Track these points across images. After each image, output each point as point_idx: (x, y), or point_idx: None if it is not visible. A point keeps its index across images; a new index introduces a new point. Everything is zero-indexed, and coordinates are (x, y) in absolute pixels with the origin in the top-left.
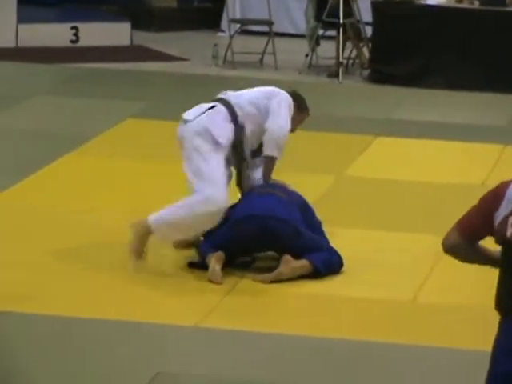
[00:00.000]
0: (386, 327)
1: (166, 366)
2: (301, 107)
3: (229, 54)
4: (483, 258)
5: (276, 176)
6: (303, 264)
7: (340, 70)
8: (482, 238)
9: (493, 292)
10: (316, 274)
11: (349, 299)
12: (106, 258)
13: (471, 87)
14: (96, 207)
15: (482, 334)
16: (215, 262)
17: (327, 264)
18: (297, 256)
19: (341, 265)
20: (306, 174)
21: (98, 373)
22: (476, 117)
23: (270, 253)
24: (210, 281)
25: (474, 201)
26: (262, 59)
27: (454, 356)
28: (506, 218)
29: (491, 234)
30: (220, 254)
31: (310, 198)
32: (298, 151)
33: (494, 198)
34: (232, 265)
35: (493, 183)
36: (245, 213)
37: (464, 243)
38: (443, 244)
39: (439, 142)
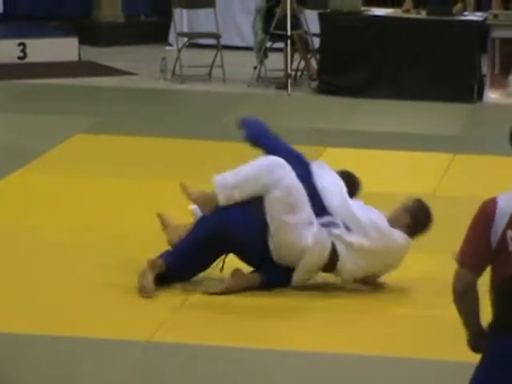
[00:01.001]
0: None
1: (118, 382)
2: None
3: (177, 67)
4: (475, 316)
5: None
6: (252, 276)
7: (289, 82)
8: (487, 264)
9: (439, 302)
10: (264, 286)
11: (303, 309)
12: (55, 275)
13: (420, 97)
14: (45, 224)
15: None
16: (149, 268)
17: (275, 277)
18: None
19: (288, 279)
20: None
21: None
22: (425, 126)
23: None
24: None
25: None
26: (210, 72)
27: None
28: (504, 233)
29: (493, 256)
30: (158, 261)
31: None
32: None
33: (484, 217)
34: (183, 280)
35: (443, 192)
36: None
37: (475, 278)
38: (455, 289)
39: (389, 152)
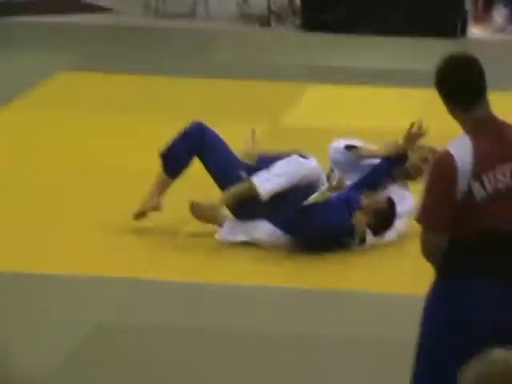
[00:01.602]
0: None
1: (104, 316)
2: None
3: (160, 3)
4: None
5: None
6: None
7: (272, 18)
8: (451, 220)
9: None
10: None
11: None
12: (54, 212)
13: (403, 32)
14: (40, 160)
15: None
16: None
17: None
18: None
19: None
20: (239, 123)
21: (37, 325)
22: (408, 61)
23: None
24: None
25: None
26: (194, 9)
27: None
28: (469, 185)
29: (459, 210)
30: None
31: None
32: (230, 100)
33: (445, 173)
34: None
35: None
36: None
37: (444, 239)
38: (425, 253)
39: (370, 88)
